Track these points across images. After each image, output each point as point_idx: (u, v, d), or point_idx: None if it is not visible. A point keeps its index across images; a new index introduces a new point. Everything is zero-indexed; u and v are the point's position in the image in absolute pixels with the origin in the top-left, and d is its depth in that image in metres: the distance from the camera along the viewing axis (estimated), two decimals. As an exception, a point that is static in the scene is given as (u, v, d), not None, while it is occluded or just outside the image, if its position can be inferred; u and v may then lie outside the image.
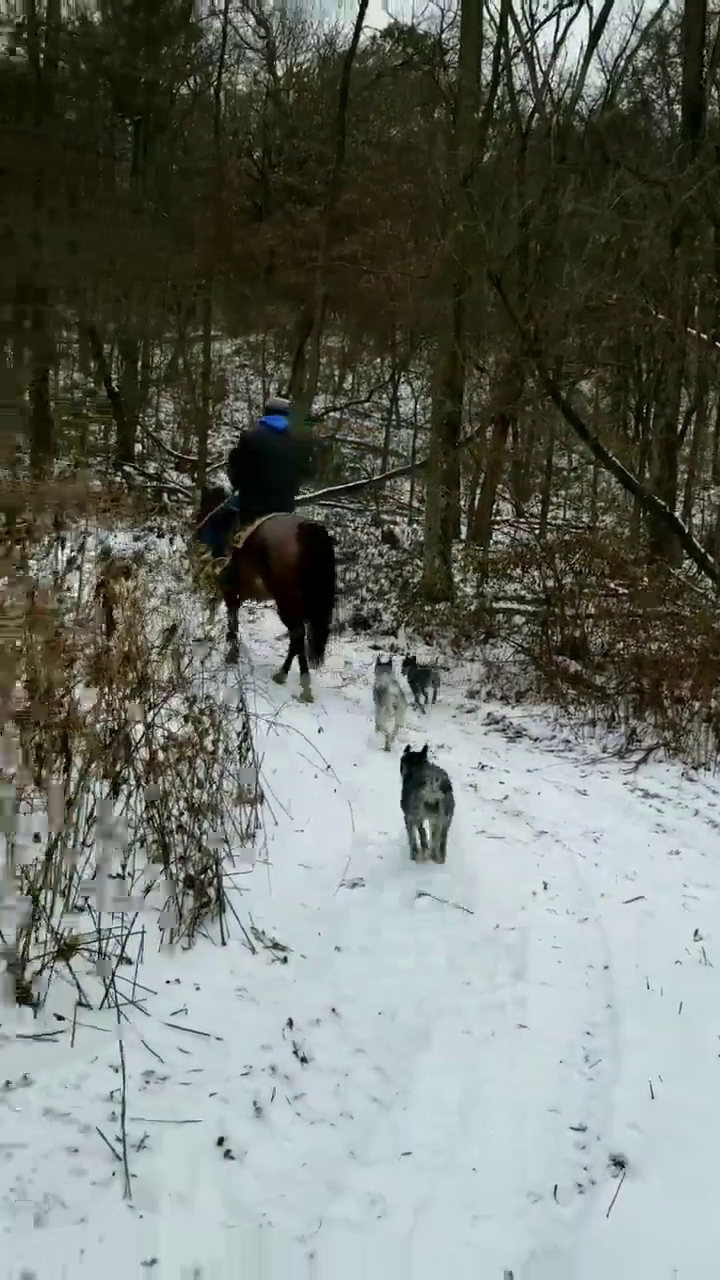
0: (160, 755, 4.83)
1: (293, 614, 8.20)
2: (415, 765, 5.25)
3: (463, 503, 17.69)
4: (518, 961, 4.25)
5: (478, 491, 16.94)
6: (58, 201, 19.25)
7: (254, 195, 27.27)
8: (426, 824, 5.18)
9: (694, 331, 13.98)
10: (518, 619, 11.24)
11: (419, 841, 5.21)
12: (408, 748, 5.56)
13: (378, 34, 27.43)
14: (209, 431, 25.89)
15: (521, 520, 17.88)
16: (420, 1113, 3.20)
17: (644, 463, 16.19)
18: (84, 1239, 2.44)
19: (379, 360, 27.83)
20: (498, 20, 17.40)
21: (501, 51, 18.00)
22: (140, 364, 21.85)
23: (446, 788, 5.15)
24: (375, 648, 10.93)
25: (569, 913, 4.86)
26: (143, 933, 3.54)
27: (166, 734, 4.89)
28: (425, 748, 5.46)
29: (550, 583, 10.51)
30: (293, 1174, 2.85)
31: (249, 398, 28.25)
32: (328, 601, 8.23)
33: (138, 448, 20.76)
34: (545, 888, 5.14)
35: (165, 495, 17.19)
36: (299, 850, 5.01)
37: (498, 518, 17.70)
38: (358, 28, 22.35)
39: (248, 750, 5.52)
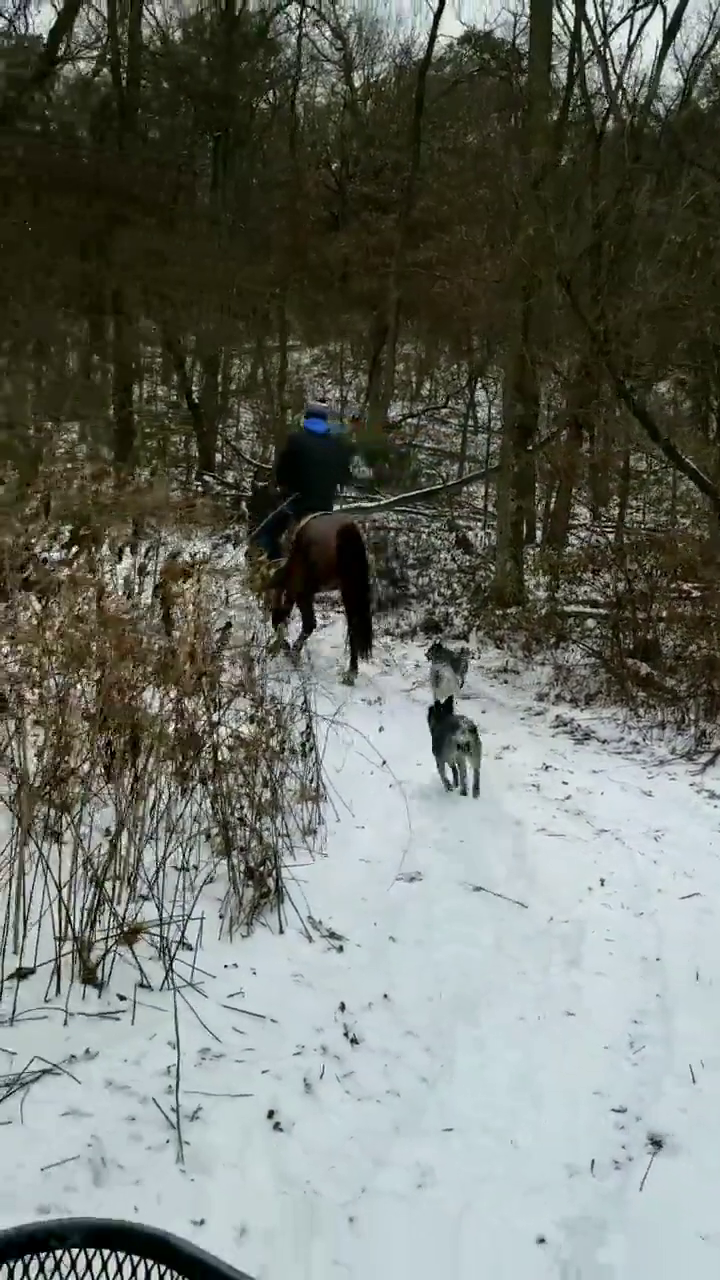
0: (226, 754, 5.04)
1: (313, 595, 8.85)
2: (443, 714, 6.12)
3: (539, 507, 17.76)
4: (571, 952, 4.35)
5: (553, 496, 16.93)
6: (143, 216, 19.72)
7: (331, 205, 27.58)
8: (464, 762, 6.02)
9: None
10: (590, 622, 11.25)
11: (452, 778, 6.09)
12: (435, 702, 6.33)
13: (454, 41, 27.62)
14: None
15: (598, 524, 17.80)
16: (467, 1092, 3.33)
17: (722, 464, 16.02)
18: (139, 1198, 2.61)
19: (456, 366, 27.88)
20: (571, 24, 17.52)
21: (575, 55, 18.10)
22: (220, 375, 22.20)
23: (474, 730, 5.97)
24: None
25: (624, 907, 4.93)
26: (202, 919, 3.72)
27: (233, 733, 5.10)
28: (450, 699, 6.34)
29: (621, 585, 10.51)
30: (340, 1147, 3.00)
31: (331, 407, 28.54)
32: (364, 595, 8.81)
33: (218, 457, 21.10)
34: (602, 883, 5.21)
35: (243, 503, 17.49)
36: (358, 845, 5.15)
37: (574, 521, 17.65)
38: (432, 36, 22.66)
39: (310, 749, 5.69)
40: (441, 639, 10.31)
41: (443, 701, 6.31)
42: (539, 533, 16.77)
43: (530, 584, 12.75)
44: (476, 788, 6.05)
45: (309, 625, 9.11)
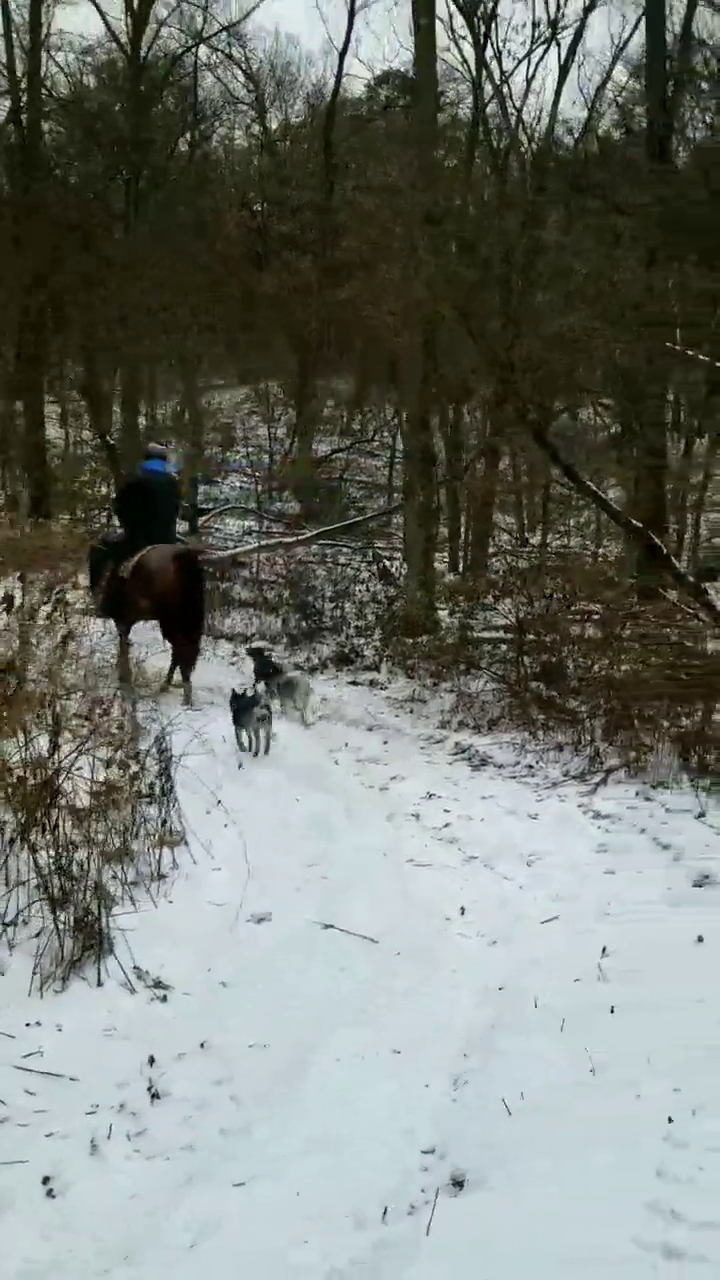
0: (80, 801, 4.92)
1: (172, 628, 9.14)
2: (243, 700, 7.41)
3: (463, 534, 17.79)
4: (412, 987, 4.24)
5: (472, 523, 16.98)
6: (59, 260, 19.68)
7: (254, 245, 27.69)
8: (259, 731, 7.32)
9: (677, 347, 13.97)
10: (503, 648, 11.21)
11: (248, 743, 7.32)
12: (233, 690, 7.59)
13: (371, 80, 27.98)
14: (217, 478, 26.21)
15: (518, 549, 17.84)
16: (269, 1141, 3.21)
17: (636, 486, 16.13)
18: None
19: (384, 400, 28.00)
20: (472, 64, 17.81)
21: (478, 93, 18.38)
22: (142, 415, 22.14)
23: (268, 707, 7.46)
24: (354, 683, 10.96)
25: (480, 935, 4.85)
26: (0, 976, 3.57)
27: (89, 780, 4.99)
28: (247, 691, 7.65)
29: (524, 608, 10.49)
30: (120, 1208, 2.87)
31: (257, 444, 28.60)
32: (199, 617, 9.23)
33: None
34: (463, 912, 5.13)
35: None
36: (211, 887, 5.01)
37: (497, 547, 17.68)
38: (338, 76, 22.94)
39: (168, 790, 5.57)
40: (265, 648, 10.57)
41: (241, 692, 7.51)
42: (461, 561, 16.77)
43: (444, 612, 12.71)
44: (267, 748, 7.39)
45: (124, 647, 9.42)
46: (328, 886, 5.28)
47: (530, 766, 8.30)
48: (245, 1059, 3.64)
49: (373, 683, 11.01)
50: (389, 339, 20.38)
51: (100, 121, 22.43)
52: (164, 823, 5.31)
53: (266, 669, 9.18)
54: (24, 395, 19.30)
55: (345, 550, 18.71)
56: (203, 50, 25.42)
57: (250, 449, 29.27)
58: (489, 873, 5.68)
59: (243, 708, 7.32)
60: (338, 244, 24.27)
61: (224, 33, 24.44)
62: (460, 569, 16.47)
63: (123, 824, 5.20)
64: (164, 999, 3.96)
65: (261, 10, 54.44)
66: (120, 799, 5.45)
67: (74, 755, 5.10)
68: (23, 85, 18.81)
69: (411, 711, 10.12)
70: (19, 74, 19.06)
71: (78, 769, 5.11)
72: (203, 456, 23.34)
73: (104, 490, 18.96)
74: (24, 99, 18.69)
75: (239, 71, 26.75)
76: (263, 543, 16.27)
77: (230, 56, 25.70)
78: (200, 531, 18.81)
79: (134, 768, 5.60)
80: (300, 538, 16.73)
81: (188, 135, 28.13)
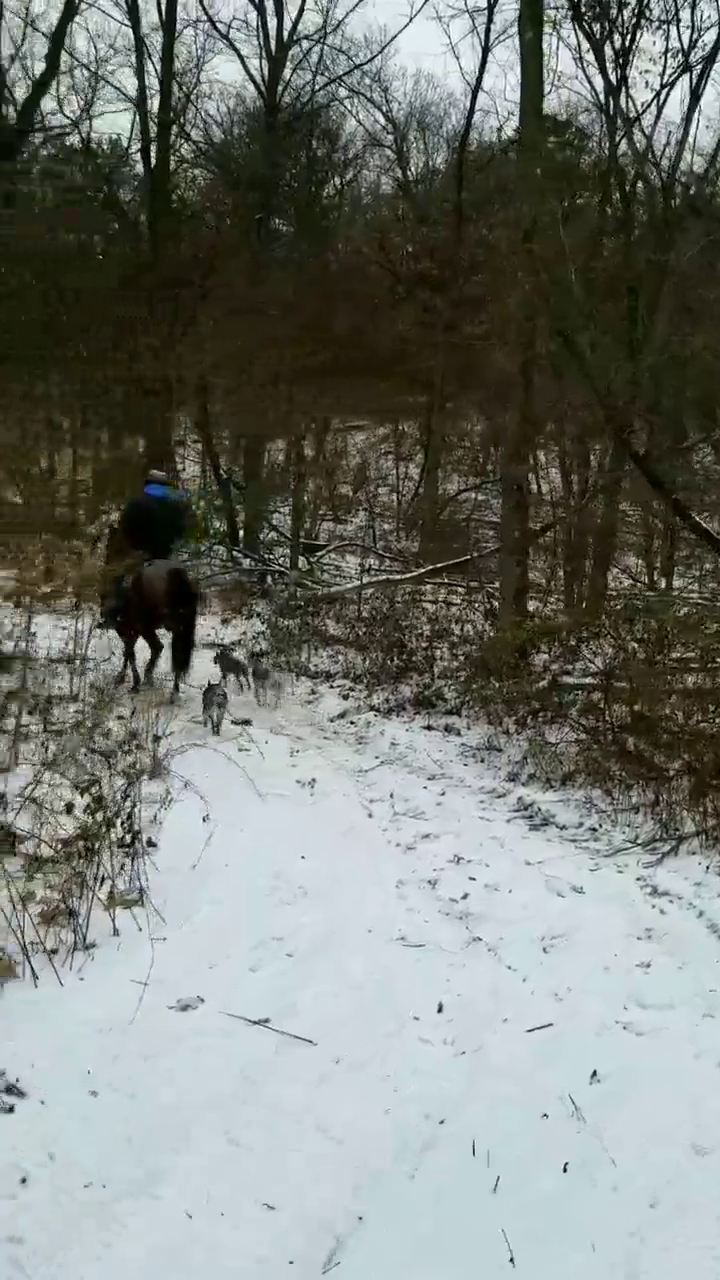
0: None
1: (153, 627, 10.10)
2: (211, 690, 9.01)
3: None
4: (329, 1109, 3.38)
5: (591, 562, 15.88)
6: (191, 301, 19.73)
7: (392, 286, 27.35)
8: (214, 714, 8.83)
9: None
10: (593, 694, 10.17)
11: (212, 722, 8.83)
12: (209, 684, 9.21)
13: (516, 126, 27.32)
14: (346, 515, 25.79)
15: (646, 594, 16.61)
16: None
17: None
18: None
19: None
20: (603, 96, 16.94)
21: (610, 121, 17.46)
22: (266, 457, 21.89)
23: (224, 698, 9.06)
24: (429, 728, 10.10)
25: (446, 1043, 3.96)
26: None
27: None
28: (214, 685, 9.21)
29: (612, 654, 9.46)
30: None
31: (390, 483, 28.12)
32: (189, 623, 10.07)
33: (263, 536, 20.63)
34: (440, 1009, 4.23)
35: (270, 578, 16.87)
36: (140, 962, 4.21)
37: (617, 590, 16.50)
38: (469, 115, 22.36)
39: (133, 839, 4.88)
40: (228, 648, 11.76)
41: (211, 684, 9.16)
42: (572, 602, 15.69)
43: (545, 655, 11.71)
44: (217, 729, 8.80)
45: (155, 650, 10.29)
46: (285, 967, 4.45)
47: (594, 829, 7.30)
48: (63, 1203, 2.84)
49: (448, 728, 10.11)
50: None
51: (234, 163, 22.48)
52: (129, 879, 4.63)
53: (228, 664, 10.52)
54: (145, 430, 19.30)
55: (461, 589, 17.85)
56: (344, 94, 25.30)
57: (383, 488, 28.86)
58: (490, 959, 4.75)
59: (209, 696, 8.96)
60: (469, 280, 23.78)
61: (358, 73, 24.08)
62: (571, 609, 15.36)
63: (71, 878, 4.54)
64: (10, 1109, 3.20)
65: (404, 54, 54.99)
66: (82, 848, 4.81)
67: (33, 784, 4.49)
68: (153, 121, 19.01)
69: (482, 761, 9.17)
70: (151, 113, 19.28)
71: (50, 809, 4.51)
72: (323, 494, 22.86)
73: (219, 526, 18.65)
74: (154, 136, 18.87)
75: (380, 115, 26.48)
76: (364, 580, 15.55)
77: (370, 99, 25.43)
78: (313, 568, 18.30)
79: (106, 812, 4.95)
80: (406, 575, 15.93)
81: (333, 179, 28.16)
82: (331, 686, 11.56)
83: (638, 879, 6.18)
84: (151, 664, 10.29)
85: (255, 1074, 3.56)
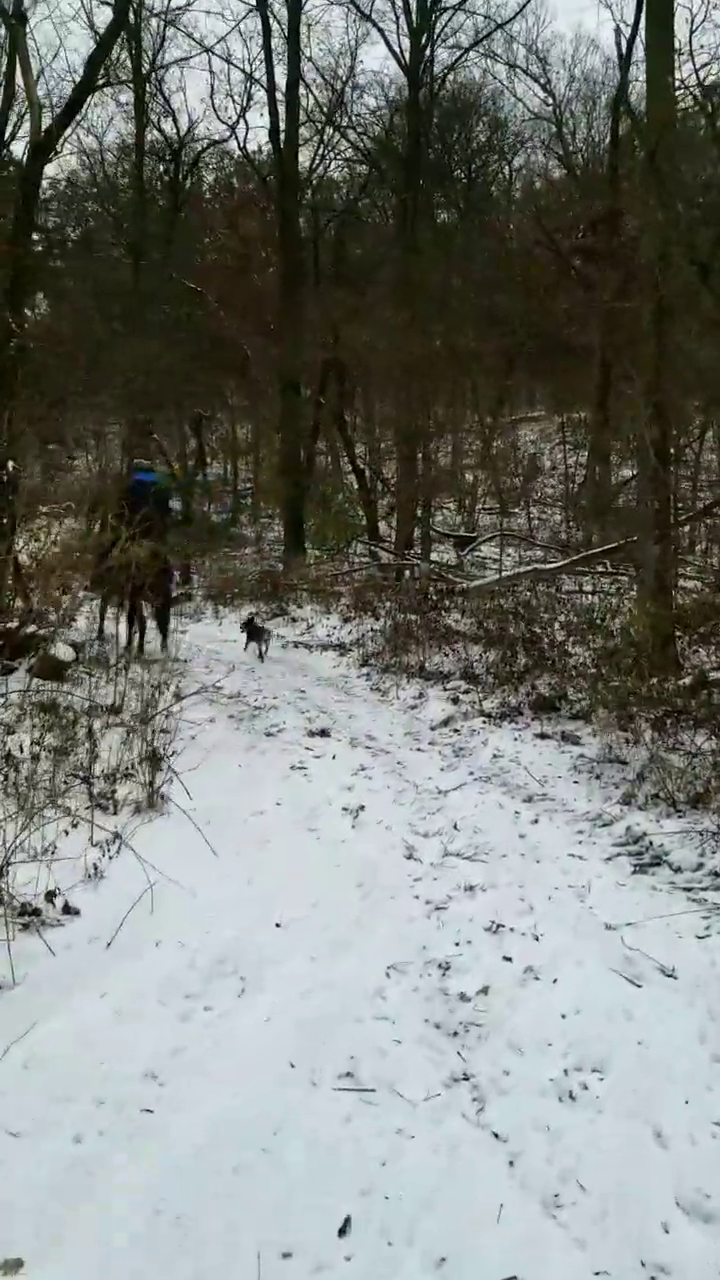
0: None
1: (135, 598, 10.53)
2: (253, 628, 11.67)
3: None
4: None
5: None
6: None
7: (557, 265, 25.26)
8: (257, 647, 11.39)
9: None
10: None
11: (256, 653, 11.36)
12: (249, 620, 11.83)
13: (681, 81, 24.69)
14: (515, 509, 23.92)
15: None
16: None
17: None
18: None
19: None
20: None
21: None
22: (422, 455, 20.35)
23: (269, 634, 11.73)
24: (543, 736, 8.20)
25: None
26: None
27: None
28: (255, 621, 11.87)
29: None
30: None
31: (565, 472, 26.02)
32: (166, 598, 11.17)
33: (417, 533, 19.06)
34: (342, 1233, 2.48)
35: (409, 572, 15.19)
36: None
37: None
38: (624, 70, 20.06)
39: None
40: (253, 615, 13.01)
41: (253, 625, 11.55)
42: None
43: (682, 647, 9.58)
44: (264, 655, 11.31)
45: (141, 628, 10.94)
46: (136, 1127, 2.81)
47: (718, 873, 5.31)
48: None
49: (565, 736, 8.17)
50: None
51: (377, 144, 21.05)
52: None
53: (254, 632, 11.83)
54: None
55: (624, 579, 15.68)
56: (501, 71, 23.49)
57: (553, 478, 26.84)
58: (464, 1126, 2.92)
59: (251, 633, 11.52)
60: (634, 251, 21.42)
61: (516, 47, 22.19)
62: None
63: None
64: None
65: (561, 20, 51.86)
66: None
67: None
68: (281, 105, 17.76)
69: (598, 777, 7.21)
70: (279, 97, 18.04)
71: None
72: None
73: (362, 521, 17.15)
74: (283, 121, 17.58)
75: (538, 88, 24.44)
76: (503, 573, 13.68)
77: (526, 71, 23.44)
78: (460, 561, 16.54)
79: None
80: (553, 565, 13.95)
81: (492, 161, 26.30)
82: (445, 689, 9.80)
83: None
84: (141, 636, 10.97)
85: None
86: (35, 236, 34.00)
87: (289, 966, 3.81)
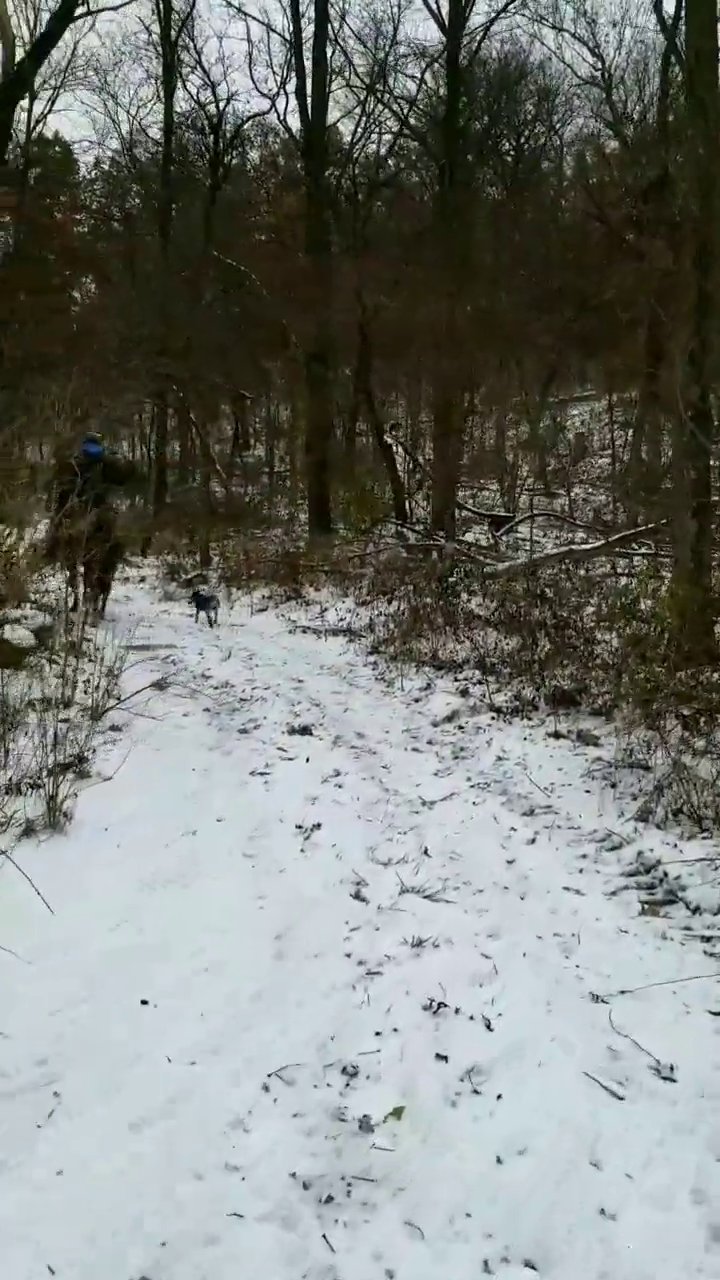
0: None
1: (88, 573, 10.57)
2: (200, 597, 12.47)
3: None
4: None
5: None
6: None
7: (606, 236, 23.83)
8: (207, 615, 12.11)
9: None
10: None
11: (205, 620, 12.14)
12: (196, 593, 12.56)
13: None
14: (559, 489, 22.64)
15: None
16: None
17: None
18: None
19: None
20: None
21: None
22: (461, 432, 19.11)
23: (217, 602, 12.42)
24: (557, 735, 7.03)
25: None
26: None
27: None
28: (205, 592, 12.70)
29: None
30: None
31: (614, 453, 24.60)
32: (107, 565, 11.21)
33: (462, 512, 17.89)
34: None
35: (435, 553, 13.98)
36: None
37: None
38: (671, 28, 18.55)
39: None
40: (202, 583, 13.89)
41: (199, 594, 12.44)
42: None
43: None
44: (214, 621, 12.06)
45: (88, 584, 10.83)
46: None
47: (746, 917, 4.13)
48: None
49: (582, 735, 6.98)
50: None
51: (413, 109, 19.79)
52: None
53: (200, 601, 12.50)
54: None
55: (663, 560, 14.36)
56: (549, 36, 22.04)
57: (602, 459, 25.44)
58: None
59: (198, 602, 12.27)
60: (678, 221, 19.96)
61: (565, 8, 20.75)
62: None
63: None
64: None
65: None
66: None
67: None
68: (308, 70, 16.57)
69: (614, 785, 6.02)
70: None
71: None
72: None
73: (388, 498, 15.99)
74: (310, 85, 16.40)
75: (587, 52, 22.96)
76: (534, 556, 12.45)
77: (574, 34, 21.98)
78: (495, 541, 15.32)
79: None
80: (587, 547, 12.69)
81: (539, 130, 24.86)
82: (456, 679, 8.67)
83: None
84: (88, 598, 10.73)
85: None
86: (79, 218, 33.14)
87: (133, 1073, 2.73)
